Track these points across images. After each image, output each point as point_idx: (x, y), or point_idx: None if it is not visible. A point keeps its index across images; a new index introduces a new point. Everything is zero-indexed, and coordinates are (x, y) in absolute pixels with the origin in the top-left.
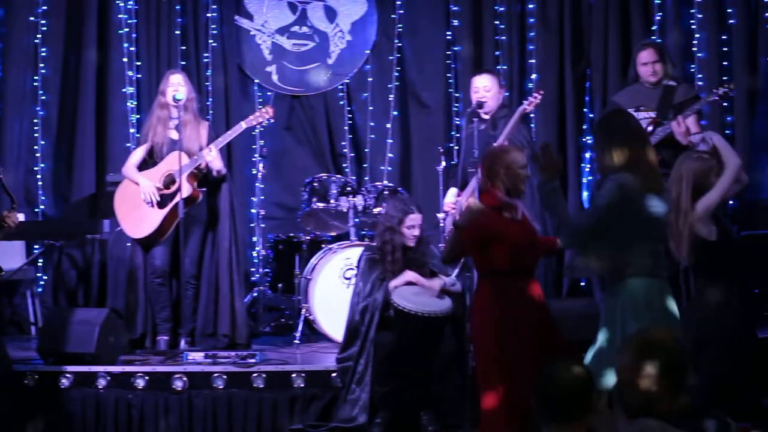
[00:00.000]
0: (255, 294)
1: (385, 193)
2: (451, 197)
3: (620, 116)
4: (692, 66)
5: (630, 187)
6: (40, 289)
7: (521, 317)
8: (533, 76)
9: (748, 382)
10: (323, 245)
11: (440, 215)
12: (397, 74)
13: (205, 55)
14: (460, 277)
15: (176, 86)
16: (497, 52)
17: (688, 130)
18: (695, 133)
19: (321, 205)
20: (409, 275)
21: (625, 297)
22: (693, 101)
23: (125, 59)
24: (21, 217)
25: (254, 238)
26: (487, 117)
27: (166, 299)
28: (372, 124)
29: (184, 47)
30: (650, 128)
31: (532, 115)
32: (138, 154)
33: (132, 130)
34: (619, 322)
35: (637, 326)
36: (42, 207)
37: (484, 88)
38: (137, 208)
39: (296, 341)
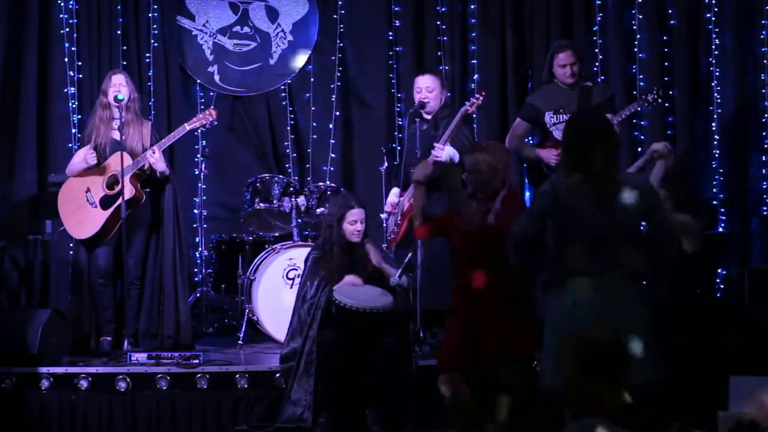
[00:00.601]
0: (198, 295)
1: (328, 193)
2: (393, 197)
3: (581, 118)
4: (633, 67)
5: (560, 186)
6: None
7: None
8: (475, 77)
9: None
10: (266, 245)
11: (383, 215)
12: (339, 74)
13: (147, 55)
14: (403, 275)
15: (118, 86)
16: (439, 53)
17: None
18: None
19: (264, 205)
20: (348, 280)
21: (566, 297)
22: (610, 102)
23: (66, 59)
24: None
25: (197, 239)
26: (429, 117)
27: (110, 300)
28: (314, 124)
29: (125, 47)
30: None
31: (474, 116)
32: (81, 155)
33: (74, 131)
34: (563, 323)
35: (579, 325)
36: None
37: (427, 89)
38: (80, 209)
39: (240, 342)
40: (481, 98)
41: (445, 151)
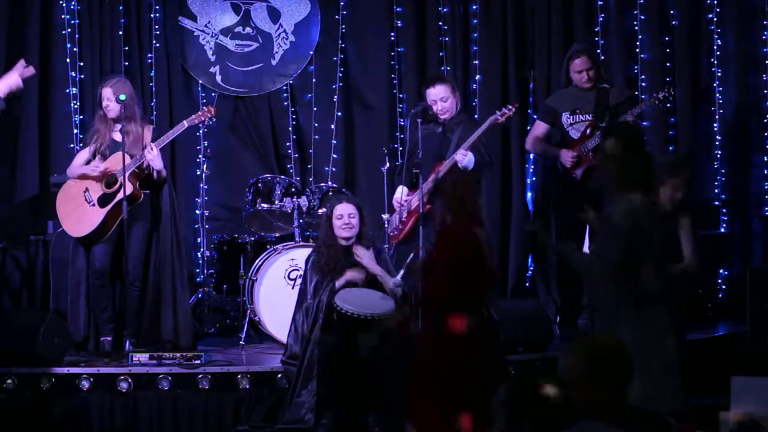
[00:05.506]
0: (200, 295)
1: (330, 193)
2: (399, 194)
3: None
4: (635, 67)
5: (639, 208)
6: None
7: None
8: (477, 77)
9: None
10: (268, 246)
11: (385, 216)
12: (340, 75)
13: (149, 55)
14: (405, 280)
15: (106, 101)
16: (441, 53)
17: None
18: None
19: (265, 206)
20: (348, 275)
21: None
22: (628, 103)
23: (68, 60)
24: None
25: (198, 239)
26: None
27: (108, 300)
28: (316, 124)
29: (127, 48)
30: (589, 131)
31: (476, 116)
32: (82, 156)
33: (76, 131)
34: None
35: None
36: None
37: (441, 99)
38: (78, 208)
39: (241, 342)
40: (513, 109)
41: (467, 158)
